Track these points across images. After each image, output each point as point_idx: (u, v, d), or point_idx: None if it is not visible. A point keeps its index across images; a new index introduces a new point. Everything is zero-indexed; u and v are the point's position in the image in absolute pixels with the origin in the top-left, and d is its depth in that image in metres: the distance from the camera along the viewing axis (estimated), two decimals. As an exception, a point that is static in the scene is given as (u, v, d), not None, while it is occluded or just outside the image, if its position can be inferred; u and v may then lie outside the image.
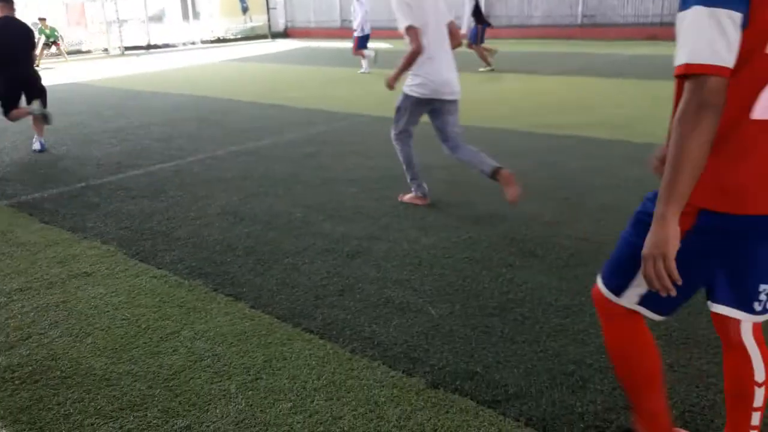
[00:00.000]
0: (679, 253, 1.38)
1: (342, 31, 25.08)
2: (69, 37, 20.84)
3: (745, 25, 1.27)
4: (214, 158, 6.03)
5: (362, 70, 12.97)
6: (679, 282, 1.39)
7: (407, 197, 4.49)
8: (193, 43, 24.16)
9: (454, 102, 4.22)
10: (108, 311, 2.96)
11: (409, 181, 4.46)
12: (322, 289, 3.11)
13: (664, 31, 17.80)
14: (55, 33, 16.06)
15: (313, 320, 2.79)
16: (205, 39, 24.35)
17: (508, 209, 4.19)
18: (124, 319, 2.88)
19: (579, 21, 19.52)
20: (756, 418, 1.67)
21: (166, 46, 23.37)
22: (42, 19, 15.97)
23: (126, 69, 15.80)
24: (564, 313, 2.79)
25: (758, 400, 1.65)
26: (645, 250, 1.40)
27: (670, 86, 7.06)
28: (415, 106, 4.21)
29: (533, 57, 15.03)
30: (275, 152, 6.19)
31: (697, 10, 1.27)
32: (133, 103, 9.98)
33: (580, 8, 19.42)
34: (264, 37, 26.27)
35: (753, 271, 1.53)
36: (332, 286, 3.14)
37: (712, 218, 1.46)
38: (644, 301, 1.65)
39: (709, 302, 1.63)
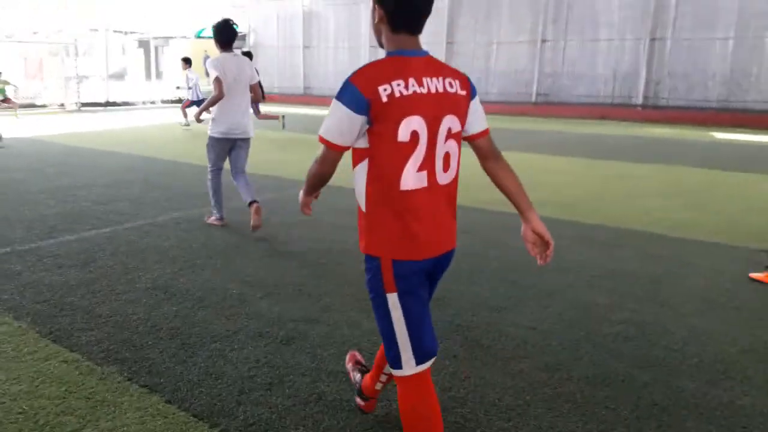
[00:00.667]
0: (404, 296, 1.99)
1: (305, 98, 25.38)
2: (25, 91, 20.46)
3: (369, 122, 1.86)
4: (153, 225, 5.76)
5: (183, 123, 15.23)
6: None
7: (210, 219, 5.85)
8: (153, 102, 24.01)
9: (245, 140, 5.77)
10: (4, 402, 2.63)
11: (212, 207, 5.82)
12: (249, 381, 2.85)
13: (614, 111, 18.52)
14: (4, 88, 15.60)
15: (234, 419, 2.52)
16: (165, 99, 24.22)
17: (455, 292, 4.04)
18: (20, 413, 2.55)
19: (533, 99, 20.19)
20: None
21: (126, 103, 23.15)
22: None
23: (80, 126, 15.46)
24: (507, 416, 2.59)
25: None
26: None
27: (618, 166, 7.30)
28: (217, 143, 5.72)
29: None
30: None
31: (337, 105, 1.88)
32: (80, 161, 9.66)
33: (534, 87, 20.13)
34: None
35: (430, 294, 2.20)
36: (260, 377, 2.88)
37: (404, 267, 1.97)
38: (416, 347, 2.01)
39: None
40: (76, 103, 20.89)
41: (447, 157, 2.00)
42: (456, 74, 2.01)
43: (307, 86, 26.04)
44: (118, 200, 6.81)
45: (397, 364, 2.02)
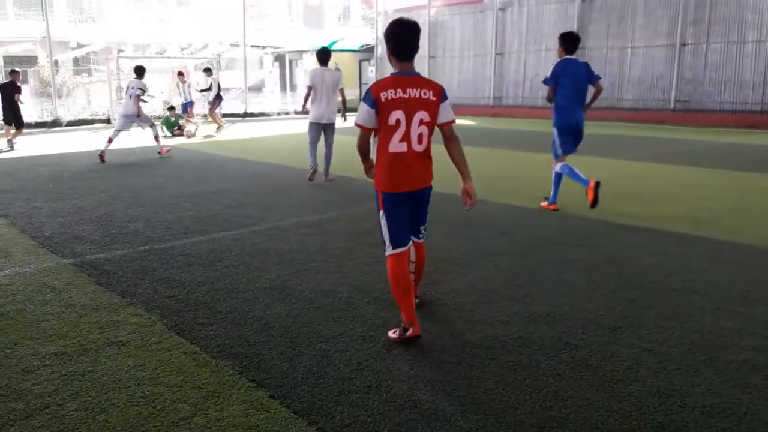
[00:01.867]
0: (389, 213, 3.43)
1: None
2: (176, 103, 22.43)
3: (377, 113, 3.27)
4: (276, 228, 6.07)
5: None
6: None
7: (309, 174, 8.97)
8: (287, 113, 25.30)
9: (329, 125, 8.92)
10: (129, 387, 2.90)
11: (310, 160, 9.17)
12: (349, 383, 2.92)
13: (764, 120, 16.90)
14: (179, 121, 17.10)
15: (331, 419, 2.60)
16: (298, 110, 25.42)
17: (567, 308, 3.88)
18: (142, 397, 2.80)
19: (672, 106, 18.91)
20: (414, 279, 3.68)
21: (262, 114, 24.60)
22: (171, 109, 17.38)
23: (219, 135, 16.65)
24: (610, 441, 2.45)
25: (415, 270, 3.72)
26: None
27: (764, 179, 6.66)
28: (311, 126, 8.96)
29: (619, 141, 14.60)
30: (336, 226, 6.16)
31: (362, 104, 3.29)
32: (217, 168, 10.40)
33: (673, 93, 18.85)
34: (354, 110, 27.12)
35: (416, 218, 3.60)
36: (360, 380, 2.94)
37: (389, 196, 3.42)
38: (394, 243, 3.46)
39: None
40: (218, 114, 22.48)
41: (420, 135, 3.38)
42: (431, 86, 3.41)
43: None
44: (248, 205, 7.25)
45: (385, 248, 3.49)
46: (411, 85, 3.32)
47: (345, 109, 9.56)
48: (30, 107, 21.44)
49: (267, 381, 2.94)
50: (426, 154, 3.47)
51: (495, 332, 3.52)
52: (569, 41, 6.78)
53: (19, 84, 14.34)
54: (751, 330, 3.53)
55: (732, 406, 2.72)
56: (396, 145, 3.33)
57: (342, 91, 9.08)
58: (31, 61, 27.18)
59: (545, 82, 6.85)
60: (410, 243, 3.55)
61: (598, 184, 6.31)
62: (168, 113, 17.22)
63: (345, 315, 3.79)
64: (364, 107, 3.33)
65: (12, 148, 13.63)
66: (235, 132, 17.50)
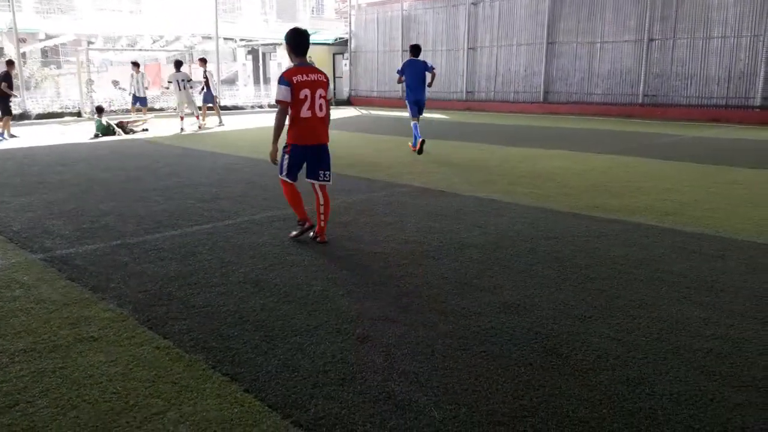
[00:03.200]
0: (291, 157, 5.06)
1: (402, 102, 25.60)
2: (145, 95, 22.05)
3: (291, 91, 4.88)
4: (251, 222, 6.05)
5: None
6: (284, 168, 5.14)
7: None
8: (261, 107, 25.11)
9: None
10: (101, 382, 2.87)
11: None
12: (323, 375, 2.93)
13: (729, 113, 17.29)
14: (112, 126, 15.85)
15: (305, 412, 2.61)
16: (272, 103, 25.21)
17: (538, 298, 3.95)
18: (114, 393, 2.78)
19: (640, 100, 19.24)
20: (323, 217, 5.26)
21: (235, 107, 24.37)
22: (99, 111, 15.62)
23: (192, 128, 16.45)
24: (579, 429, 2.51)
25: (323, 210, 5.24)
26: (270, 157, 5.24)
27: (730, 172, 6.88)
28: None
29: (588, 134, 14.81)
30: (312, 219, 6.14)
31: (280, 87, 4.92)
32: (190, 161, 10.30)
33: (641, 87, 19.17)
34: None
35: (314, 165, 5.12)
36: (334, 372, 2.96)
37: (295, 147, 5.04)
38: (287, 175, 5.13)
39: (307, 178, 5.17)
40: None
41: (320, 105, 5.00)
42: (322, 73, 5.10)
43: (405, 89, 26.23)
44: (221, 198, 7.20)
45: (281, 174, 5.15)
46: (310, 72, 5.03)
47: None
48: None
49: (241, 375, 2.94)
50: (325, 119, 5.13)
51: (467, 323, 3.57)
52: (415, 49, 11.20)
53: (12, 74, 14.36)
54: (716, 319, 3.64)
55: (698, 393, 2.80)
56: (305, 113, 4.95)
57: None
58: (-4, 52, 26.45)
59: (398, 72, 11.27)
60: (313, 185, 5.23)
61: (423, 142, 10.71)
62: (96, 116, 15.37)
63: (319, 308, 3.80)
64: (282, 88, 4.88)
65: (4, 138, 13.74)
66: (208, 125, 17.30)
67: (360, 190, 7.71)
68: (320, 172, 5.14)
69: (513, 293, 4.06)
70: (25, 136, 14.50)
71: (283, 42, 5.16)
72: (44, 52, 28.19)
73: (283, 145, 5.09)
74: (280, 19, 37.30)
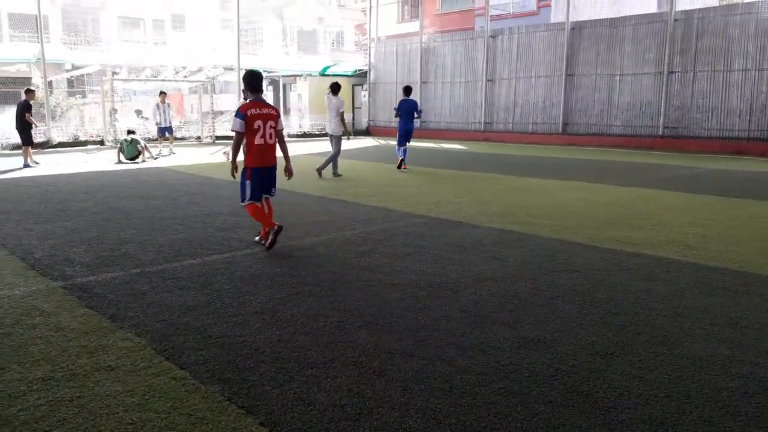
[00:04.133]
0: (252, 181, 6.11)
1: (420, 132, 25.76)
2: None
3: (245, 123, 5.94)
4: (269, 252, 6.06)
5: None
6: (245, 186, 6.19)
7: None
8: (280, 136, 25.34)
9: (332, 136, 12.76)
10: (118, 413, 2.87)
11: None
12: (339, 410, 2.90)
13: (750, 146, 17.13)
14: (138, 145, 16.36)
15: (321, 447, 2.58)
16: (291, 133, 25.51)
17: (558, 333, 3.89)
18: (130, 424, 2.77)
19: (660, 132, 19.15)
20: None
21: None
22: (130, 132, 16.55)
23: (212, 157, 16.67)
24: (601, 469, 2.44)
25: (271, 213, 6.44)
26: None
27: (752, 205, 6.76)
28: None
29: (608, 166, 14.73)
30: (329, 249, 6.16)
31: (235, 119, 6.02)
32: (210, 190, 10.40)
33: (661, 119, 19.10)
34: (347, 134, 27.33)
35: (267, 183, 6.27)
36: (350, 407, 2.93)
37: (254, 170, 6.10)
38: (251, 199, 6.17)
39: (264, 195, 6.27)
40: (211, 137, 22.56)
41: (270, 134, 6.07)
42: (273, 108, 6.21)
43: (423, 121, 26.41)
44: (240, 228, 7.24)
45: (244, 200, 6.19)
46: (263, 106, 6.08)
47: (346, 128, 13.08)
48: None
49: (257, 408, 2.92)
50: (274, 145, 6.19)
51: (486, 358, 3.52)
52: (407, 90, 14.34)
53: (31, 103, 14.70)
54: (741, 357, 3.55)
55: (723, 433, 2.72)
56: (258, 140, 6.00)
57: (343, 114, 12.60)
58: (25, 82, 27.22)
59: (395, 109, 14.20)
60: (263, 198, 6.31)
61: (402, 162, 13.75)
62: (128, 137, 15.97)
63: (336, 340, 3.78)
64: (237, 120, 5.94)
65: (29, 165, 14.24)
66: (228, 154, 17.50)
67: (378, 220, 7.71)
68: (271, 188, 6.37)
69: (533, 328, 4.00)
70: (50, 164, 14.78)
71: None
72: (70, 82, 28.92)
73: (241, 169, 6.16)
74: (300, 51, 38.00)
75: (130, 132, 16.45)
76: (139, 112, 26.90)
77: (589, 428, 2.76)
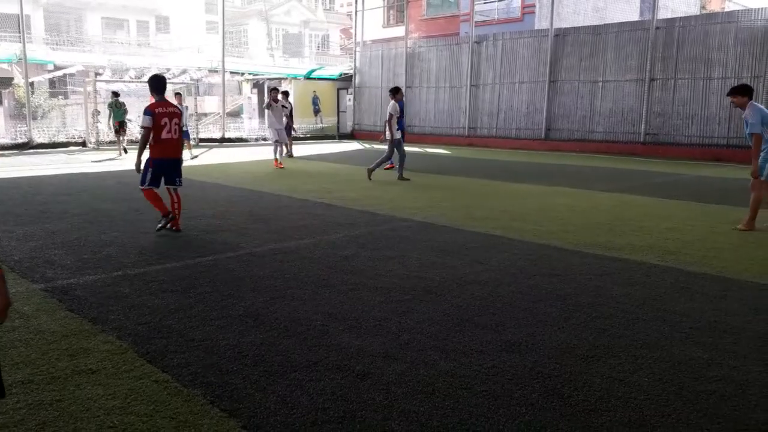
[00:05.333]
0: (154, 170, 6.89)
1: (405, 136, 25.81)
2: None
3: (153, 120, 6.81)
4: (252, 255, 6.05)
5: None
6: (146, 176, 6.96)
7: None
8: (265, 139, 25.30)
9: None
10: (99, 416, 2.85)
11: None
12: (322, 413, 2.90)
13: (730, 153, 17.39)
14: (122, 112, 16.40)
15: (304, 450, 2.58)
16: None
17: (540, 337, 3.92)
18: (111, 427, 2.75)
19: (642, 139, 19.39)
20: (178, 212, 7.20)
21: (240, 140, 24.58)
22: (115, 94, 16.89)
23: (196, 160, 16.57)
24: (581, 471, 2.47)
25: (178, 207, 7.24)
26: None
27: (731, 212, 6.84)
28: None
29: (590, 172, 14.88)
30: (314, 253, 6.16)
31: (145, 116, 6.91)
32: (194, 192, 10.33)
33: (643, 126, 19.34)
34: (332, 137, 27.35)
35: (173, 174, 7.11)
36: (333, 410, 2.93)
37: (157, 160, 6.93)
38: (150, 184, 6.94)
39: (165, 185, 7.07)
40: (194, 139, 22.42)
41: (176, 130, 6.94)
42: (176, 107, 7.14)
43: (408, 125, 26.48)
44: (223, 230, 7.22)
45: (143, 185, 6.92)
46: (168, 106, 6.97)
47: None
48: (2, 128, 21.18)
49: (239, 411, 2.91)
50: (180, 140, 7.08)
51: (469, 361, 3.54)
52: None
53: None
54: (719, 360, 3.61)
55: (700, 435, 2.76)
56: (165, 135, 6.84)
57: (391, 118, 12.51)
58: (6, 82, 26.86)
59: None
60: (173, 189, 7.12)
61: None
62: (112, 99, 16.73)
63: (320, 343, 3.78)
64: (146, 117, 6.78)
65: None
66: (212, 157, 17.44)
67: (362, 224, 7.72)
68: (177, 179, 7.10)
69: (515, 332, 4.04)
70: (31, 165, 14.60)
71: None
72: (52, 82, 28.59)
73: (148, 159, 6.94)
74: (286, 54, 37.93)
75: (115, 94, 16.65)
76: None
77: (570, 430, 2.79)
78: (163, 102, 6.94)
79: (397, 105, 12.57)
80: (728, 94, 8.00)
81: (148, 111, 6.81)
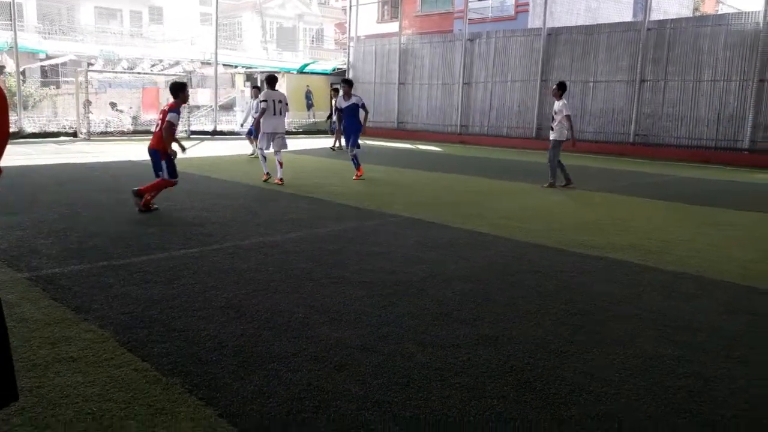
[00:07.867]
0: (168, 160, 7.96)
1: (397, 132, 25.88)
2: (142, 119, 22.32)
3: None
4: (238, 248, 6.09)
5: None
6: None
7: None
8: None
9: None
10: (77, 403, 2.89)
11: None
12: (297, 403, 2.96)
13: (718, 155, 17.55)
14: None
15: (277, 438, 2.64)
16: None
17: (516, 332, 3.99)
18: (89, 414, 2.79)
19: (631, 139, 19.52)
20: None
21: (232, 133, 24.54)
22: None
23: (187, 152, 16.51)
24: (547, 461, 2.54)
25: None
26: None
27: (715, 213, 6.96)
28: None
29: (580, 171, 14.97)
30: (299, 246, 6.21)
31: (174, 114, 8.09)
32: (182, 185, 10.29)
33: (632, 127, 19.47)
34: (324, 132, 27.35)
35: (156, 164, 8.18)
36: (309, 401, 2.99)
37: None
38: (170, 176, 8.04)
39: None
40: (186, 131, 22.37)
41: (160, 126, 7.85)
42: (162, 108, 8.19)
43: (401, 121, 26.54)
44: (210, 223, 7.25)
45: (174, 177, 8.19)
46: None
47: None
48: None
49: (217, 399, 2.97)
50: (160, 134, 7.83)
51: (445, 354, 3.61)
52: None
53: None
54: (690, 357, 3.69)
55: (668, 429, 2.84)
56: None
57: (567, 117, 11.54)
58: (-3, 70, 26.70)
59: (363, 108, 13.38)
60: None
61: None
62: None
63: (299, 335, 3.84)
64: (175, 114, 7.94)
65: None
66: (203, 150, 17.43)
67: (350, 219, 7.77)
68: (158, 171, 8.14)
69: (492, 326, 4.10)
70: (21, 155, 14.55)
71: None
72: (44, 72, 28.43)
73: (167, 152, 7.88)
74: (280, 48, 37.86)
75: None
76: (113, 105, 26.57)
77: (539, 422, 2.86)
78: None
79: (565, 102, 11.56)
80: None
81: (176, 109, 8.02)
